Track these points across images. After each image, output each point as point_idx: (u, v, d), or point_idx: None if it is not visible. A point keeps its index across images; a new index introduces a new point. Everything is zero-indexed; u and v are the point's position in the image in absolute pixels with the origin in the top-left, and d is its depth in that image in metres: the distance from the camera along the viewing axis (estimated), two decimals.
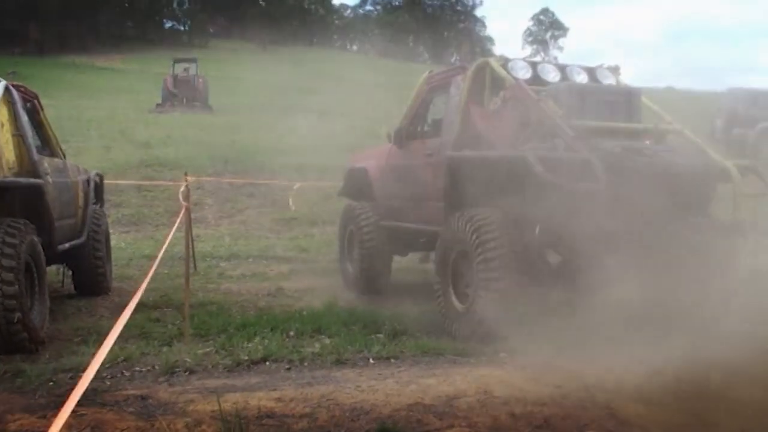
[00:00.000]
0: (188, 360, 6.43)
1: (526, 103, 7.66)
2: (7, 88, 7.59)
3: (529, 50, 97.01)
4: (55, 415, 4.09)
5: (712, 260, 7.51)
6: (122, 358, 6.44)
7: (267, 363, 6.48)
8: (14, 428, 4.80)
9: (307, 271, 11.68)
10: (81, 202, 9.30)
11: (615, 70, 8.81)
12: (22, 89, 8.21)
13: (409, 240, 9.39)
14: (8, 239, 6.62)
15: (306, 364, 6.46)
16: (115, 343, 6.43)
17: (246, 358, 6.53)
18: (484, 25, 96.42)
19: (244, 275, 11.43)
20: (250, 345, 6.96)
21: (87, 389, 5.23)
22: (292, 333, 7.40)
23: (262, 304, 9.03)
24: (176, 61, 36.86)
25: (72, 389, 3.71)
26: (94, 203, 9.88)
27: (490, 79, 8.16)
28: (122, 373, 6.15)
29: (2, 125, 7.27)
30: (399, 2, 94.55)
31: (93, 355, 4.47)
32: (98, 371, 5.92)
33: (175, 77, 34.79)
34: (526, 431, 4.90)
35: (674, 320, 7.44)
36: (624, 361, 6.29)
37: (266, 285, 10.43)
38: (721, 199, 7.79)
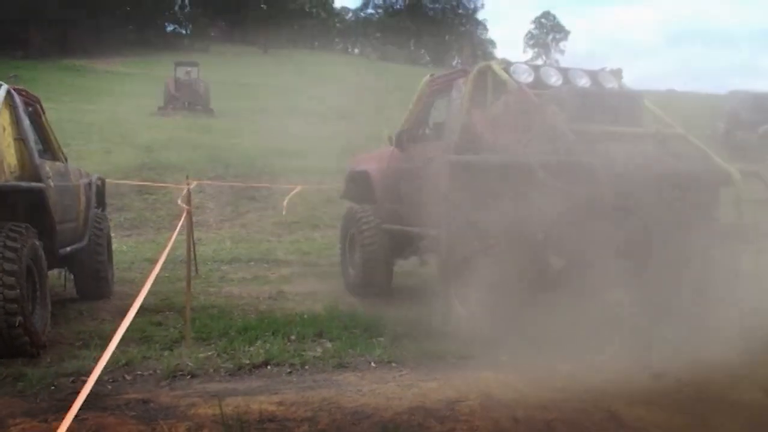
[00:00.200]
0: (190, 364, 6.43)
1: (528, 107, 7.66)
2: (8, 92, 7.59)
3: (530, 53, 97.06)
4: (56, 420, 4.09)
5: (715, 264, 7.51)
6: (124, 362, 6.43)
7: (268, 367, 6.47)
8: None
9: (308, 275, 11.68)
10: (82, 205, 9.30)
11: (617, 73, 8.81)
12: (24, 93, 8.21)
13: (411, 243, 9.39)
14: (10, 243, 6.62)
15: (307, 367, 6.46)
16: (117, 347, 6.45)
17: (247, 361, 6.53)
18: (485, 29, 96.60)
19: (245, 279, 11.43)
20: (251, 349, 6.96)
21: (89, 394, 5.25)
22: (293, 337, 7.40)
23: (263, 307, 9.02)
24: (178, 64, 36.86)
25: (73, 393, 3.71)
26: (96, 207, 9.88)
27: (491, 83, 8.16)
28: (124, 377, 6.14)
29: (4, 129, 7.27)
30: (400, 6, 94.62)
31: (95, 359, 4.48)
32: (99, 375, 5.95)
33: (176, 81, 34.80)
34: None
35: (676, 324, 7.44)
36: (625, 364, 6.29)
37: (267, 288, 10.42)
38: (724, 204, 7.78)
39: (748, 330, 7.64)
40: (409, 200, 9.15)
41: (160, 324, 7.97)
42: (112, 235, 11.17)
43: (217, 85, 35.71)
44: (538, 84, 8.16)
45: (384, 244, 9.71)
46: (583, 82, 8.44)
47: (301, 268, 12.31)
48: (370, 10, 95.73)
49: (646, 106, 8.35)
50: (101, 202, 10.35)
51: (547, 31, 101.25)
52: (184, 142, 22.82)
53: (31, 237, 7.03)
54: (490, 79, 8.17)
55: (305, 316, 8.26)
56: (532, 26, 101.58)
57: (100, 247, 9.56)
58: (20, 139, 7.52)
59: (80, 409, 4.96)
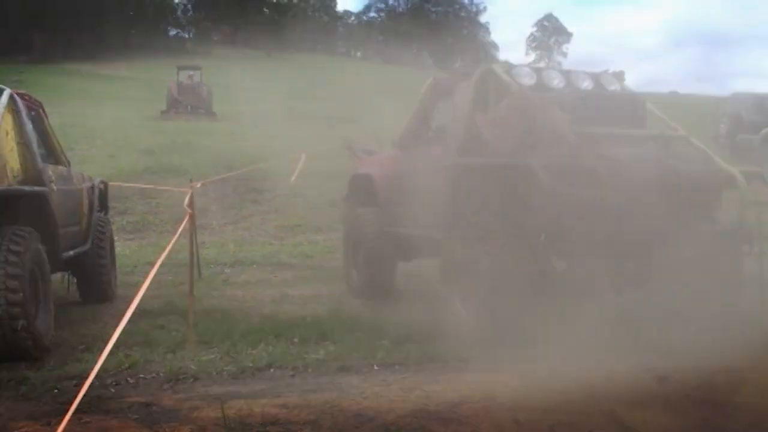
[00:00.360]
0: (193, 367, 6.43)
1: (530, 109, 7.66)
2: (11, 97, 7.60)
3: (533, 56, 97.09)
4: (60, 423, 4.10)
5: (718, 267, 7.50)
6: (127, 365, 6.44)
7: (271, 370, 6.48)
8: None
9: (311, 278, 11.68)
10: (85, 209, 9.31)
11: (620, 75, 8.81)
12: (27, 97, 8.22)
13: (414, 246, 9.38)
14: (13, 247, 6.63)
15: (310, 370, 6.46)
16: (120, 350, 6.49)
17: (250, 364, 6.53)
18: (488, 32, 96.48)
19: (248, 282, 11.43)
20: (254, 352, 6.96)
21: (91, 397, 5.26)
22: (296, 340, 7.40)
23: (266, 310, 9.02)
24: (180, 68, 36.90)
25: (76, 397, 3.71)
26: (99, 210, 9.89)
27: (494, 86, 8.15)
28: (127, 380, 6.15)
29: (7, 133, 7.28)
30: (403, 9, 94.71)
31: (96, 362, 4.48)
32: (103, 378, 5.96)
33: (179, 85, 34.84)
34: None
35: (678, 326, 7.43)
36: (629, 366, 6.28)
37: (271, 291, 10.42)
38: (727, 206, 7.78)
39: (751, 332, 7.64)
40: (411, 203, 9.14)
41: (163, 327, 7.97)
42: (115, 238, 11.18)
43: (219, 89, 35.75)
44: (541, 87, 8.16)
45: (387, 246, 9.70)
46: (586, 84, 8.44)
47: (304, 271, 12.31)
48: (372, 14, 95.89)
49: (648, 108, 8.35)
50: (104, 206, 10.36)
51: (550, 33, 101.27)
52: (187, 145, 22.82)
53: (34, 241, 7.04)
54: (493, 82, 8.17)
55: (308, 319, 8.26)
56: (535, 29, 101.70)
57: (103, 250, 9.57)
58: (23, 143, 7.53)
59: (83, 412, 4.99)
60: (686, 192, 7.16)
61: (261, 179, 18.29)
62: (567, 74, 8.54)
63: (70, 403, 4.28)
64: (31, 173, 7.53)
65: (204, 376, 6.25)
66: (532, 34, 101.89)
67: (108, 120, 27.61)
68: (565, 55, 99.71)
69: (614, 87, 8.58)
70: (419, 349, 7.03)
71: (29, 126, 7.81)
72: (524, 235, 7.19)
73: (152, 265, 6.75)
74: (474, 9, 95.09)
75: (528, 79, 8.19)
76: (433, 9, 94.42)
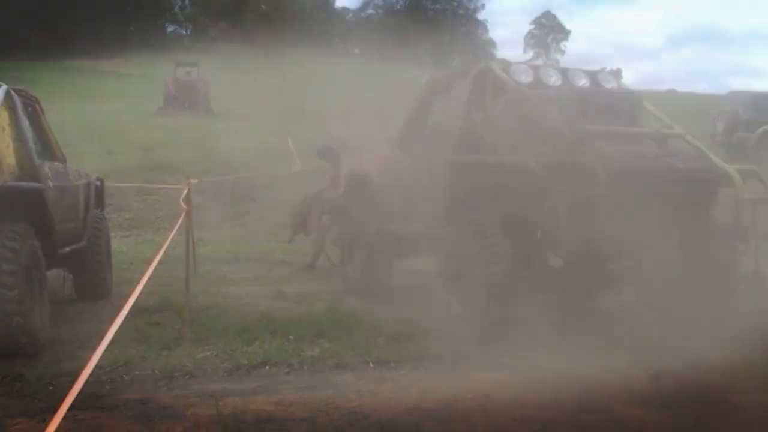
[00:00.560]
0: (188, 364, 6.43)
1: (527, 107, 7.66)
2: (7, 93, 7.59)
3: (531, 54, 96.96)
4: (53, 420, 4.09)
5: (714, 264, 7.51)
6: (122, 362, 6.43)
7: (267, 367, 6.47)
8: None
9: (307, 275, 11.67)
10: (82, 206, 9.29)
11: (617, 73, 8.81)
12: (23, 93, 8.21)
13: (410, 244, 9.38)
14: (8, 243, 6.62)
15: (306, 368, 6.45)
16: (116, 347, 6.46)
17: (246, 362, 6.53)
18: (486, 29, 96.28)
19: (244, 279, 11.42)
20: (250, 349, 6.95)
21: (87, 393, 5.25)
22: (292, 337, 7.39)
23: (262, 307, 9.01)
24: (178, 64, 36.79)
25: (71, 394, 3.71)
26: (95, 207, 9.88)
27: (491, 84, 8.16)
28: (122, 377, 6.15)
29: (3, 130, 7.27)
30: (400, 6, 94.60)
31: (91, 359, 4.48)
32: (98, 375, 5.95)
33: (176, 81, 34.75)
34: None
35: (674, 324, 7.44)
36: (624, 364, 6.29)
37: (267, 289, 10.41)
38: (723, 204, 7.79)
39: (747, 330, 7.64)
40: (408, 201, 9.14)
41: (158, 324, 7.96)
42: (112, 235, 11.17)
43: (217, 86, 35.68)
44: (538, 84, 8.16)
45: (383, 244, 9.69)
46: (583, 82, 8.45)
47: (300, 269, 12.30)
48: (370, 11, 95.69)
49: (645, 106, 8.35)
50: (100, 203, 10.34)
51: (548, 31, 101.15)
52: (184, 142, 22.79)
53: (30, 237, 7.03)
54: (490, 79, 8.17)
55: (304, 317, 8.25)
56: (533, 26, 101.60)
57: (99, 247, 9.55)
58: (19, 139, 7.52)
59: (78, 409, 4.98)
60: (682, 190, 7.16)
61: (258, 176, 18.28)
62: (564, 72, 8.55)
63: (70, 402, 4.28)
64: (28, 170, 7.52)
65: (199, 373, 6.24)
66: (530, 31, 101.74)
67: (105, 116, 27.59)
68: (563, 52, 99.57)
69: (611, 85, 8.59)
70: (415, 346, 7.02)
71: (25, 122, 7.80)
72: (521, 233, 7.19)
73: (148, 262, 6.74)
74: (472, 6, 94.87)
75: (525, 77, 8.19)
76: (431, 6, 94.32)
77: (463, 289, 7.64)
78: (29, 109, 8.31)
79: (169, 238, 7.27)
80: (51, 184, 7.90)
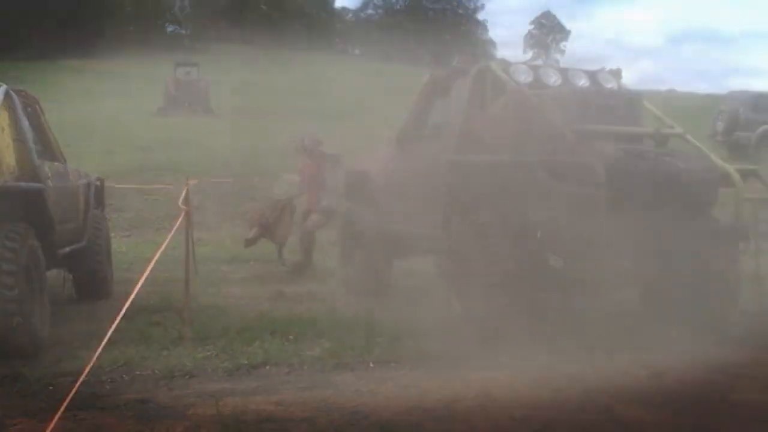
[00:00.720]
0: (188, 364, 6.43)
1: (527, 107, 7.66)
2: (7, 93, 7.59)
3: (530, 54, 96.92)
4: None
5: (714, 264, 7.51)
6: (122, 362, 6.43)
7: (267, 367, 6.47)
8: None
9: (307, 275, 11.66)
10: (82, 206, 9.29)
11: (616, 73, 8.81)
12: (23, 93, 8.21)
13: (411, 244, 9.38)
14: (8, 243, 6.62)
15: (306, 368, 6.45)
16: (116, 347, 6.47)
17: (246, 362, 6.53)
18: (485, 29, 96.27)
19: (244, 279, 11.41)
20: (250, 349, 6.94)
21: (87, 393, 5.26)
22: (292, 337, 7.38)
23: (262, 307, 9.00)
24: (178, 64, 36.82)
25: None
26: (95, 207, 9.87)
27: (491, 83, 8.16)
28: (122, 377, 6.14)
29: (3, 130, 7.27)
30: (400, 6, 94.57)
31: (92, 360, 4.49)
32: (98, 375, 5.96)
33: (176, 81, 34.76)
34: None
35: (675, 323, 7.45)
36: (624, 363, 6.29)
37: (267, 289, 10.40)
38: (723, 203, 7.79)
39: (748, 330, 7.65)
40: (408, 200, 9.14)
41: (158, 324, 7.95)
42: (112, 235, 11.16)
43: (216, 86, 35.68)
44: (538, 84, 8.17)
45: (383, 244, 9.69)
46: (582, 82, 8.45)
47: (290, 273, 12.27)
48: (370, 11, 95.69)
49: (645, 106, 8.36)
50: (100, 203, 10.33)
51: (548, 31, 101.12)
52: (184, 142, 22.79)
53: (30, 237, 7.03)
54: (490, 79, 8.17)
55: (304, 317, 8.25)
56: (532, 26, 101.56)
57: (99, 247, 9.55)
58: (19, 139, 7.52)
59: (78, 409, 4.99)
60: (682, 190, 7.16)
61: (257, 176, 18.28)
62: (564, 72, 8.55)
63: (67, 401, 4.29)
64: (27, 170, 7.52)
65: (200, 373, 6.24)
66: (529, 31, 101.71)
67: (105, 116, 27.60)
68: (562, 52, 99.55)
69: (611, 85, 8.59)
70: (415, 346, 7.02)
71: (25, 122, 7.80)
72: (521, 233, 7.19)
73: (148, 262, 6.74)
74: (472, 6, 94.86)
75: (525, 77, 8.19)
76: (431, 6, 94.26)
77: (463, 289, 7.64)
78: (29, 109, 8.31)
79: (168, 238, 7.27)
80: (51, 184, 7.90)
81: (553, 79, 8.36)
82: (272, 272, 11.99)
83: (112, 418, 5.07)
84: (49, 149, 8.73)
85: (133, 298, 6.08)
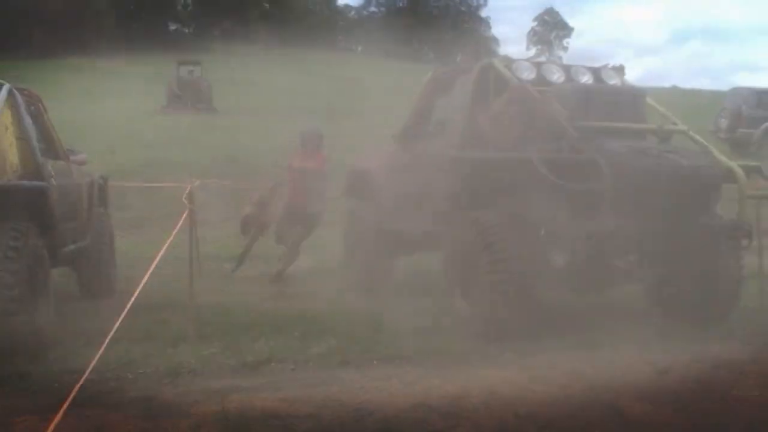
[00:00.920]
0: (193, 361, 6.44)
1: (530, 104, 7.66)
2: (10, 91, 7.59)
3: (533, 50, 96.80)
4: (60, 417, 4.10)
5: (718, 260, 7.51)
6: (127, 359, 6.44)
7: (272, 364, 6.48)
8: (19, 429, 4.81)
9: (311, 272, 11.65)
10: (85, 204, 9.29)
11: (620, 70, 8.81)
12: (26, 92, 8.21)
13: (414, 241, 9.38)
14: (12, 242, 6.63)
15: (311, 364, 6.46)
16: (120, 344, 6.48)
17: (251, 359, 6.54)
18: (488, 26, 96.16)
19: (248, 276, 11.41)
20: (254, 346, 6.96)
21: (92, 391, 5.26)
22: (296, 334, 7.39)
23: (266, 305, 9.02)
24: (180, 63, 36.81)
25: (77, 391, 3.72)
26: (98, 205, 9.88)
27: (494, 80, 8.15)
28: (127, 374, 6.16)
29: (6, 128, 7.27)
30: (403, 3, 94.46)
31: (96, 357, 4.50)
32: (103, 373, 5.97)
33: (179, 80, 34.77)
34: (531, 431, 4.89)
35: (679, 320, 7.45)
36: (629, 360, 6.29)
37: (271, 286, 10.41)
38: (727, 200, 7.78)
39: (751, 326, 7.65)
40: (412, 197, 9.13)
41: (163, 322, 7.96)
42: (115, 233, 11.17)
43: (219, 84, 35.67)
44: (541, 81, 8.16)
45: (387, 241, 9.69)
46: (586, 78, 8.44)
47: (304, 266, 12.28)
48: (372, 8, 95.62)
49: (648, 102, 8.35)
50: (104, 201, 10.34)
51: (551, 28, 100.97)
52: (187, 140, 22.79)
53: (33, 236, 7.04)
54: (493, 76, 8.16)
55: (308, 314, 8.25)
56: (535, 23, 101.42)
57: (103, 245, 9.56)
58: (22, 138, 7.53)
59: (83, 407, 4.99)
60: (685, 186, 7.15)
61: (260, 174, 18.27)
62: (567, 69, 8.54)
63: (71, 397, 4.29)
64: (31, 168, 7.53)
65: (204, 370, 6.25)
66: (532, 28, 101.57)
67: (108, 115, 27.59)
68: (565, 49, 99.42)
69: (614, 81, 8.58)
70: (419, 343, 7.03)
71: (28, 121, 7.80)
72: (524, 230, 7.18)
73: (152, 260, 6.75)
74: (474, 3, 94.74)
75: (528, 74, 8.19)
76: (434, 3, 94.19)
77: (468, 286, 7.64)
78: (32, 107, 8.31)
79: (172, 237, 7.27)
80: (54, 182, 7.90)
81: (556, 75, 8.35)
82: (275, 270, 11.97)
83: (117, 416, 5.07)
84: (52, 148, 8.73)
85: (137, 296, 6.10)
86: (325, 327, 7.58)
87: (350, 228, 10.45)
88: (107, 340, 5.53)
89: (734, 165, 7.58)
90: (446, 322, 7.69)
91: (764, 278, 8.55)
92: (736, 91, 24.75)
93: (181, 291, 8.66)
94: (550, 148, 7.24)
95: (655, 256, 7.25)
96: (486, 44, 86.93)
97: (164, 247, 6.86)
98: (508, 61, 8.39)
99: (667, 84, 51.62)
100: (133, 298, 5.90)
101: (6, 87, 7.56)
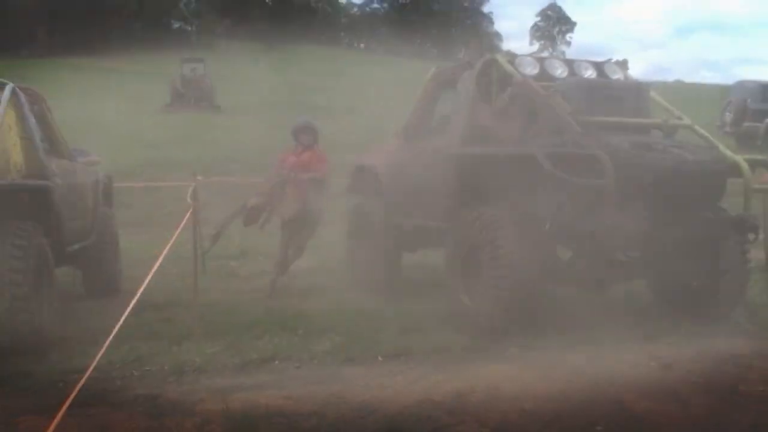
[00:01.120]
0: (197, 359, 6.44)
1: (533, 99, 7.64)
2: (14, 91, 7.59)
3: (536, 46, 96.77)
4: (62, 416, 4.10)
5: (723, 255, 7.49)
6: (132, 358, 6.45)
7: (276, 362, 6.48)
8: (23, 428, 4.82)
9: (316, 270, 11.65)
10: (90, 203, 9.30)
11: (623, 64, 8.78)
12: (30, 92, 8.21)
13: (418, 237, 9.37)
14: (17, 241, 6.64)
15: (315, 362, 6.46)
16: (125, 343, 6.49)
17: (255, 356, 6.54)
18: (491, 21, 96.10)
19: (253, 274, 11.41)
20: (259, 344, 6.96)
21: (97, 389, 5.27)
22: (300, 331, 7.39)
23: (271, 302, 9.02)
24: (184, 61, 36.83)
25: (80, 390, 3.72)
26: (103, 204, 9.89)
27: (497, 76, 8.13)
28: (132, 373, 6.16)
29: (10, 128, 7.28)
30: (405, 0, 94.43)
31: (99, 355, 4.50)
32: (108, 371, 5.98)
33: (183, 78, 34.79)
34: (535, 427, 4.89)
35: (684, 314, 7.43)
36: (634, 355, 6.28)
37: (273, 284, 10.39)
38: (732, 194, 7.75)
39: (756, 320, 7.63)
40: (415, 193, 9.12)
41: (167, 320, 7.98)
42: (120, 232, 11.18)
43: (223, 81, 35.69)
44: (544, 76, 8.14)
45: (391, 237, 9.67)
46: (589, 73, 8.43)
47: (308, 263, 12.28)
48: (375, 5, 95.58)
49: (652, 97, 8.32)
50: (108, 200, 10.35)
51: (554, 23, 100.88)
52: (190, 138, 22.81)
53: (38, 235, 7.04)
54: (496, 71, 8.15)
55: (312, 311, 8.25)
56: (538, 18, 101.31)
57: (108, 244, 9.57)
58: (26, 137, 7.53)
59: (88, 405, 5.00)
60: (691, 181, 7.13)
61: (264, 172, 18.26)
62: (570, 64, 8.53)
63: (73, 396, 4.29)
64: (35, 167, 7.53)
65: (209, 368, 6.25)
66: (535, 23, 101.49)
67: (111, 113, 27.60)
68: (568, 44, 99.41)
69: (618, 76, 8.56)
70: (424, 339, 7.02)
71: (32, 120, 7.81)
72: (528, 225, 7.17)
73: (157, 258, 6.75)
74: None
75: (531, 69, 8.17)
76: None
77: (472, 282, 7.63)
78: (36, 107, 8.31)
79: (176, 235, 7.28)
80: (59, 181, 7.91)
81: (560, 70, 8.33)
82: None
83: (122, 414, 5.08)
84: (56, 147, 8.74)
85: (142, 295, 6.10)
86: (329, 324, 7.57)
87: (354, 224, 10.44)
88: (111, 339, 5.53)
89: (740, 159, 7.56)
90: (450, 318, 7.68)
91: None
92: (741, 85, 24.69)
93: (186, 289, 8.68)
94: (553, 143, 7.22)
95: (660, 251, 7.23)
96: (489, 40, 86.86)
97: (168, 246, 6.86)
98: (512, 57, 8.37)
99: (671, 78, 51.65)
100: (137, 297, 5.91)
101: (9, 86, 7.56)
